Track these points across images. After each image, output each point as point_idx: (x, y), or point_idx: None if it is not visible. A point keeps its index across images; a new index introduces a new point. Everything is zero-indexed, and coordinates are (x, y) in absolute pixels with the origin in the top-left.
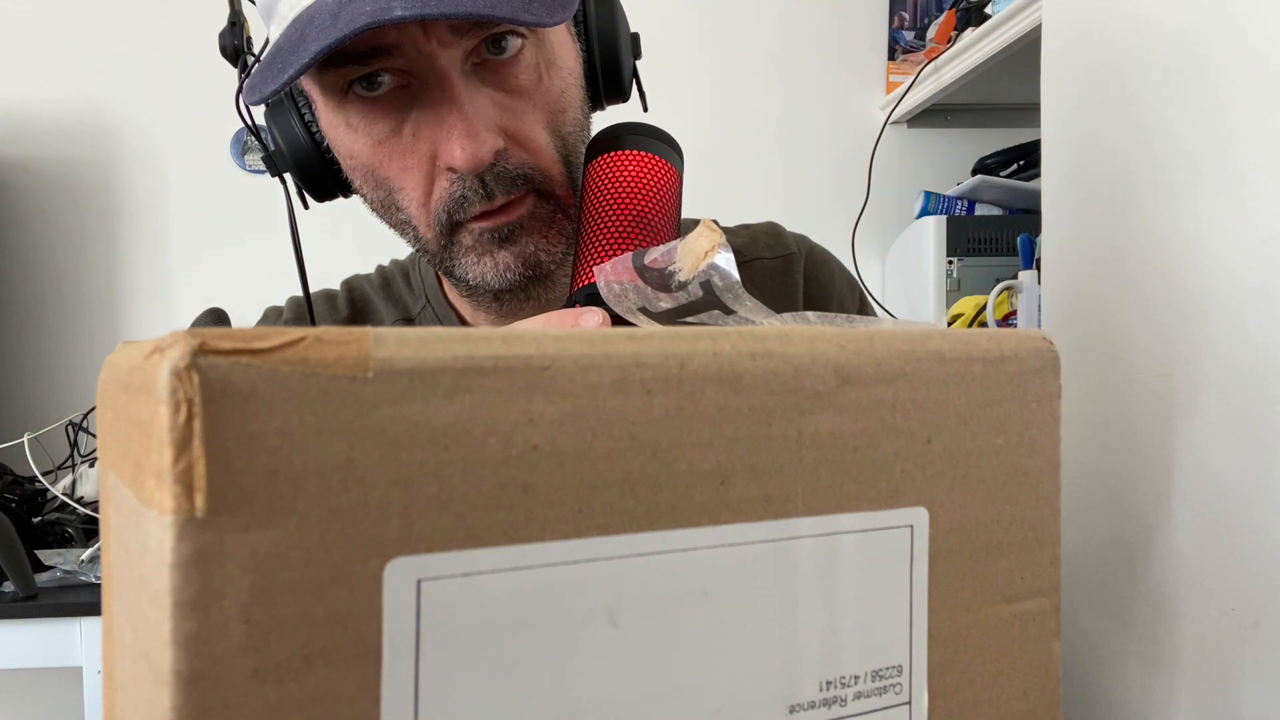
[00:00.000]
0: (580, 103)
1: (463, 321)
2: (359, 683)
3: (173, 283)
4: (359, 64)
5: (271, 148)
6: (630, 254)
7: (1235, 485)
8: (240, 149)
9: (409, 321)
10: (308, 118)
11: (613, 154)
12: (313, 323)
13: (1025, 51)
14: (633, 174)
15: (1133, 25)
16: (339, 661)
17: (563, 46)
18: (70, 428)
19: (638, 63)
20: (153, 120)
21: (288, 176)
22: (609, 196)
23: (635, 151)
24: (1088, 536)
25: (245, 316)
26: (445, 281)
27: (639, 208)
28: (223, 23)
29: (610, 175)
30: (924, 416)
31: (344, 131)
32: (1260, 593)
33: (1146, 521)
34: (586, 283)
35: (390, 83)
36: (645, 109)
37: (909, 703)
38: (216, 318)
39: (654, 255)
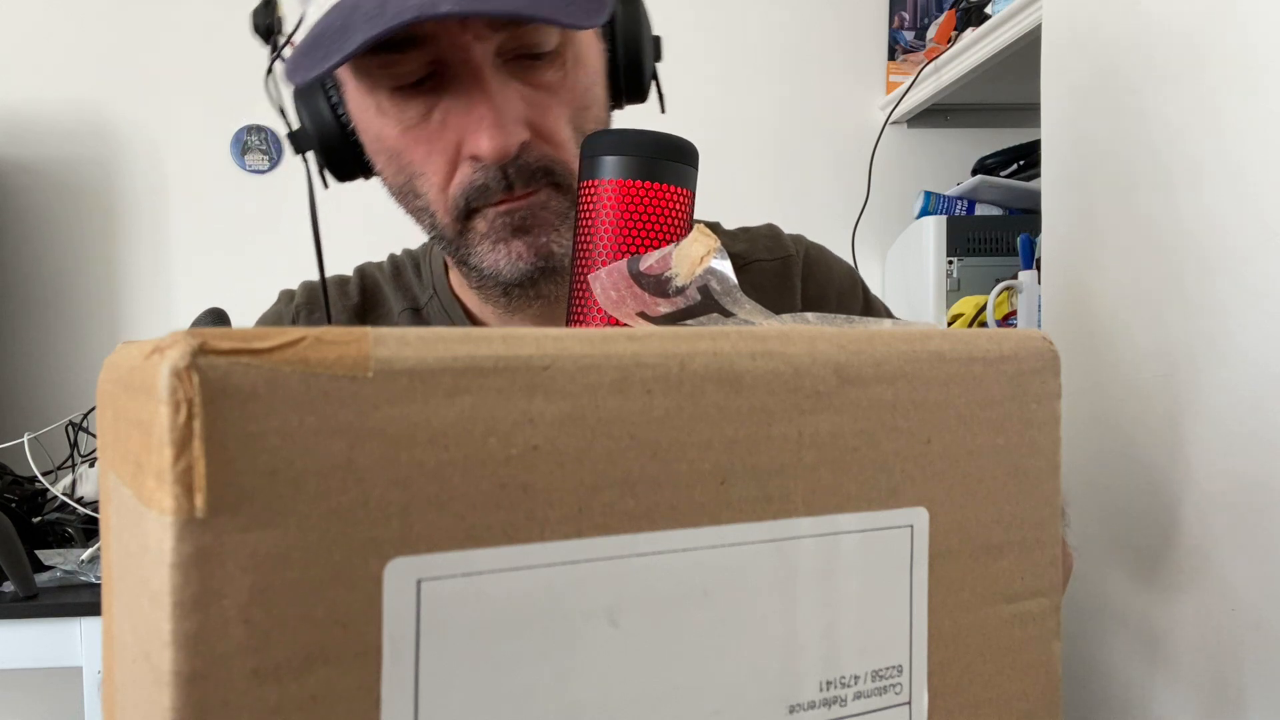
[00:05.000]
0: (604, 101)
1: (468, 314)
2: (359, 683)
3: (173, 283)
4: (396, 51)
5: (295, 126)
6: (625, 261)
7: (1235, 485)
8: (240, 149)
9: (416, 311)
10: (335, 99)
11: (627, 183)
12: (327, 308)
13: (1025, 51)
14: (644, 212)
15: (1132, 25)
16: (339, 661)
17: (589, 45)
18: (70, 428)
19: (658, 65)
20: (153, 120)
21: (310, 156)
22: (615, 232)
23: (648, 184)
24: (1088, 537)
25: (245, 316)
26: (453, 273)
27: (643, 245)
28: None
29: (621, 209)
30: (924, 416)
31: (373, 115)
32: (1260, 593)
33: (1147, 522)
34: (583, 291)
35: (423, 71)
36: (663, 110)
37: (909, 703)
38: (216, 318)
39: (649, 262)
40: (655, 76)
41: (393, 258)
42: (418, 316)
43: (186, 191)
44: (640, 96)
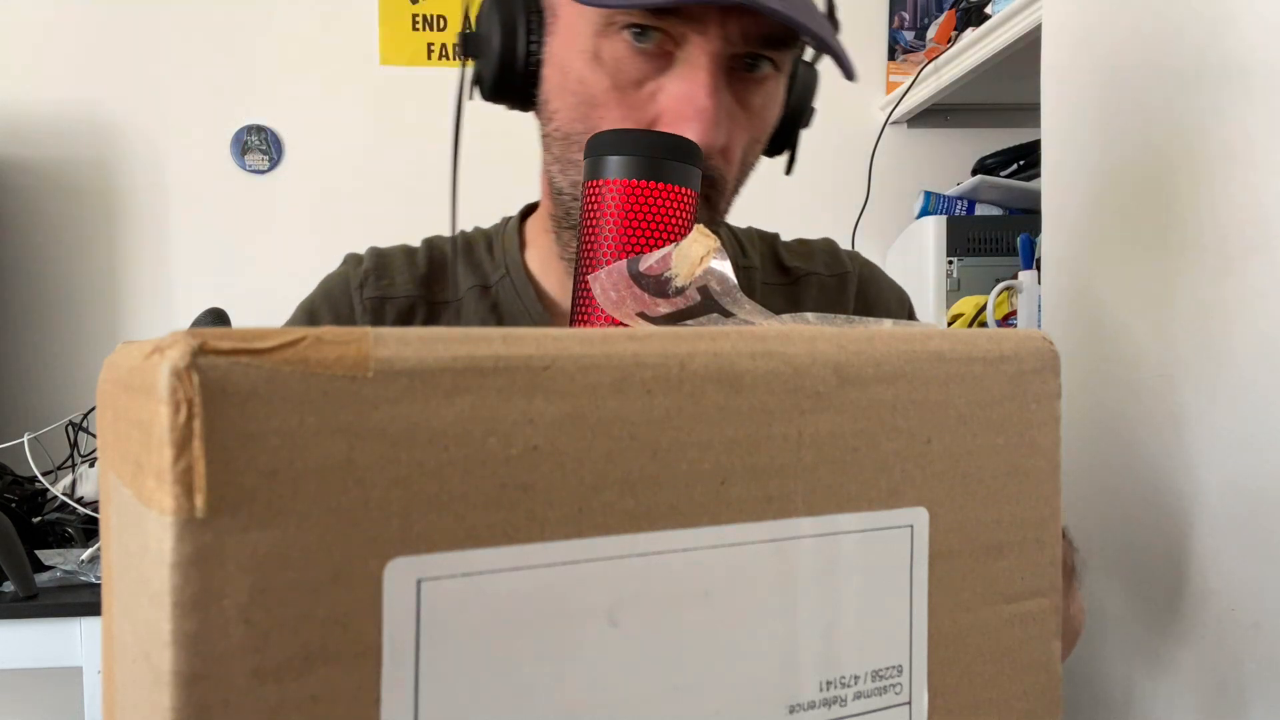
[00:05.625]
0: (766, 144)
1: (540, 296)
2: (359, 683)
3: (173, 283)
4: (651, 12)
5: (472, 30)
6: (624, 262)
7: (1235, 485)
8: (240, 149)
9: (485, 289)
10: (533, 23)
11: (632, 183)
12: (454, 246)
13: (1025, 51)
14: (648, 212)
15: (1132, 25)
16: (339, 661)
17: (781, 92)
18: (70, 428)
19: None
20: (153, 120)
21: (470, 66)
22: (620, 232)
23: (653, 184)
24: (1088, 537)
25: (245, 316)
26: (530, 252)
27: (647, 245)
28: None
29: (625, 209)
30: (924, 416)
31: (587, 60)
32: (1260, 593)
33: (1146, 522)
34: (587, 291)
35: (658, 42)
36: (789, 172)
37: (909, 703)
38: (216, 318)
39: (649, 262)
40: (796, 143)
41: (464, 233)
42: (486, 295)
43: (186, 191)
44: (778, 150)
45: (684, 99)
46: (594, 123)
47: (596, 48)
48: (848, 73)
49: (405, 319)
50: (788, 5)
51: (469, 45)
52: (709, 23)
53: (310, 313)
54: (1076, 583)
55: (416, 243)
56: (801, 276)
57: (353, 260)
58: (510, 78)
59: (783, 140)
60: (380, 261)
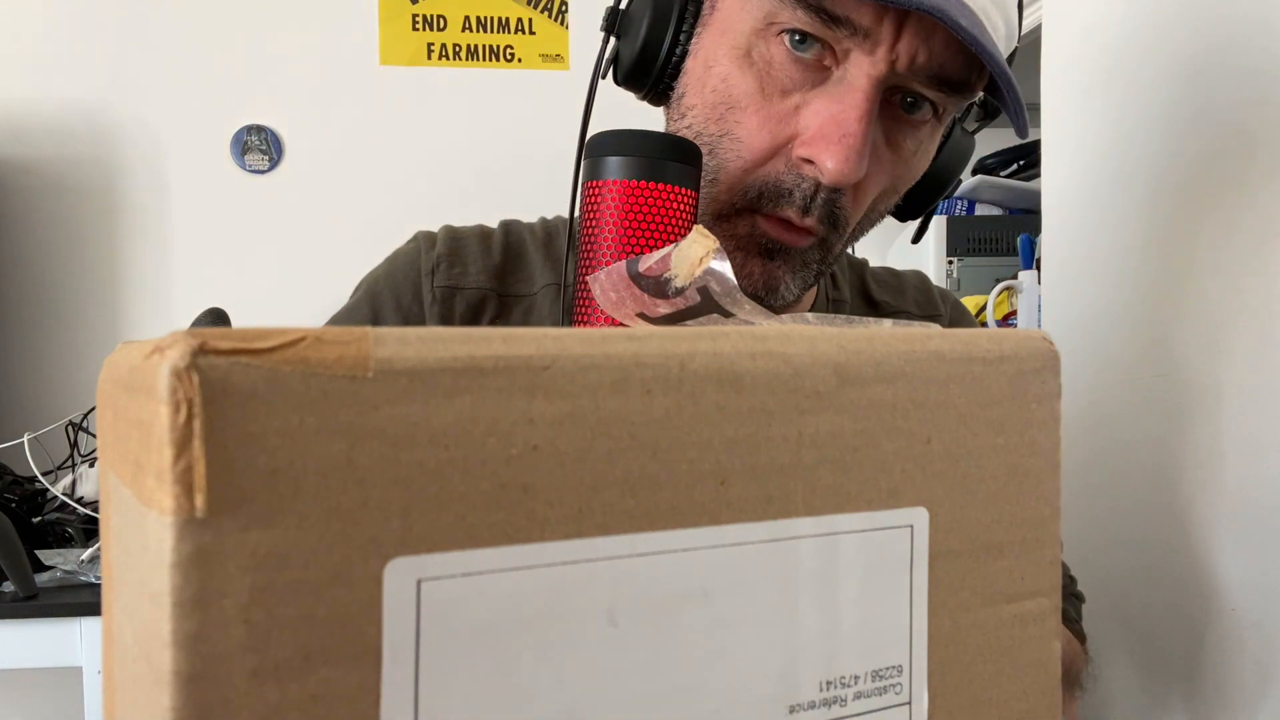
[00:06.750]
0: (900, 198)
1: None
2: (359, 683)
3: (173, 283)
4: (821, 20)
5: (625, 5)
6: (624, 262)
7: (1234, 484)
8: (240, 149)
9: (559, 289)
10: (688, 12)
11: (632, 184)
12: (570, 240)
13: (1025, 51)
14: (648, 212)
15: (1132, 25)
16: (339, 661)
17: (934, 146)
18: (70, 428)
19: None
20: (153, 120)
21: (609, 46)
22: (619, 232)
23: (653, 184)
24: (1087, 536)
25: (245, 316)
26: None
27: (646, 246)
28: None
29: (625, 210)
30: (924, 416)
31: (736, 58)
32: (1260, 592)
33: (1146, 521)
34: (587, 291)
35: (817, 54)
36: (916, 241)
37: (909, 703)
38: (216, 318)
39: (648, 263)
40: (931, 214)
41: (545, 222)
42: (562, 295)
43: (186, 191)
44: (912, 215)
45: (830, 119)
46: (729, 126)
47: (749, 46)
48: (1021, 128)
49: (475, 312)
50: (976, 29)
51: (616, 22)
52: (880, 41)
53: (373, 294)
54: (1079, 691)
55: (538, 218)
56: (890, 314)
57: (425, 240)
58: (650, 65)
59: (917, 205)
60: (454, 246)
